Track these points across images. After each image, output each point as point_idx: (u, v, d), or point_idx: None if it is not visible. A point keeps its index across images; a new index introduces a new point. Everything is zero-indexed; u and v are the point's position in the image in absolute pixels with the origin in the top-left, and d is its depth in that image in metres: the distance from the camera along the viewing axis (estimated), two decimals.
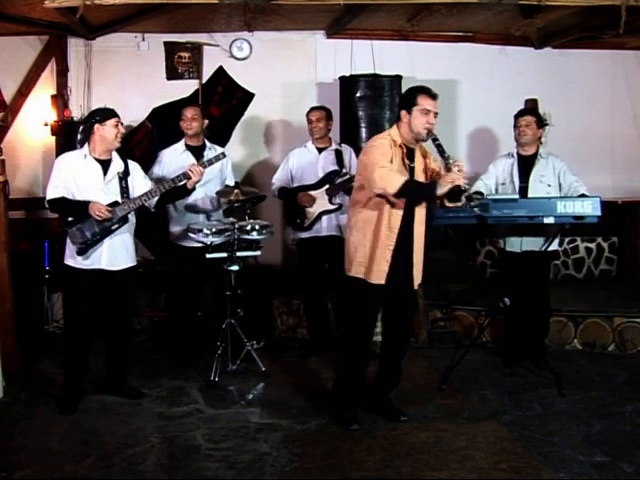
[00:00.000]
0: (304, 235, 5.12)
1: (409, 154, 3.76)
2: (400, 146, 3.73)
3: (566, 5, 4.95)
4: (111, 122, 4.07)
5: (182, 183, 4.23)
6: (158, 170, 4.90)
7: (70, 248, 4.12)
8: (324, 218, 5.08)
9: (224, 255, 4.64)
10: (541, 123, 4.83)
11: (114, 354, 4.37)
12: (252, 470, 3.36)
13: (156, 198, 4.20)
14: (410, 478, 3.28)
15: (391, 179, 3.55)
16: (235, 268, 4.62)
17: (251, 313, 5.24)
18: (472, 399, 4.30)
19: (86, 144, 4.15)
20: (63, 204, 4.09)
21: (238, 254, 4.65)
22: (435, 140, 3.65)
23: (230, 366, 4.68)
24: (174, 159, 4.89)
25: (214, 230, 4.60)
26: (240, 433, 3.80)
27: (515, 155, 4.83)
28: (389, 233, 3.69)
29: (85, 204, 4.01)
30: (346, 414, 3.86)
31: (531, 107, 4.87)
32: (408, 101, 3.73)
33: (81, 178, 4.08)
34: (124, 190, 4.16)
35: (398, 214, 3.69)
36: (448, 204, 3.63)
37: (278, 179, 5.24)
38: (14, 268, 4.56)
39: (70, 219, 4.09)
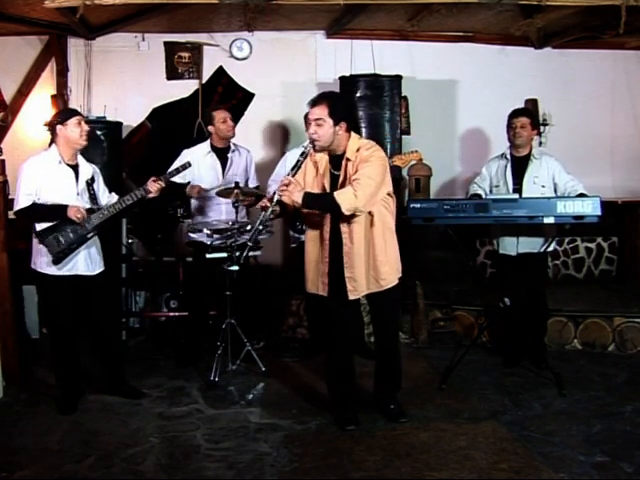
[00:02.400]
0: (304, 237, 5.09)
1: (335, 163, 3.69)
2: (315, 161, 3.75)
3: (566, 5, 4.96)
4: (72, 121, 3.98)
5: (141, 197, 4.16)
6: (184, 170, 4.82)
7: (45, 256, 4.02)
8: None
9: (224, 255, 4.64)
10: (536, 123, 4.76)
11: (106, 357, 4.35)
12: (252, 470, 3.36)
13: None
14: (410, 478, 3.27)
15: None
16: (235, 268, 4.62)
17: (251, 313, 5.25)
18: (472, 399, 4.30)
19: (54, 147, 4.05)
20: (37, 210, 3.98)
21: (238, 254, 4.65)
22: (302, 154, 3.61)
23: (230, 366, 4.68)
24: (200, 160, 4.87)
25: (214, 230, 4.60)
26: (240, 433, 3.80)
27: (508, 156, 4.78)
28: (322, 246, 3.75)
29: (62, 208, 3.95)
30: (346, 414, 3.86)
31: (526, 107, 4.81)
32: None
33: (55, 186, 3.99)
34: (93, 197, 4.13)
35: (326, 229, 3.71)
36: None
37: (275, 180, 5.17)
38: (14, 268, 4.56)
39: (44, 227, 3.99)
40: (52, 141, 4.09)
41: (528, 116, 4.72)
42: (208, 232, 4.61)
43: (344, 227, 3.67)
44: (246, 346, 4.72)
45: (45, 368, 4.79)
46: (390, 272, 3.77)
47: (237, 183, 4.71)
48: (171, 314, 5.62)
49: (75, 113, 4.07)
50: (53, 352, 4.20)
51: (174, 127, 5.22)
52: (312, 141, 3.60)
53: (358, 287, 3.72)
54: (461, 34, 6.44)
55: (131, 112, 6.12)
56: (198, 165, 4.85)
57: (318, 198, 3.66)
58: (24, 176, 3.99)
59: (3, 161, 4.52)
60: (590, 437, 3.69)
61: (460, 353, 4.73)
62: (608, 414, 4.01)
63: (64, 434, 3.78)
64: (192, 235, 4.89)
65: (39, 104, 6.08)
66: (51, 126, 4.04)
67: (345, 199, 3.51)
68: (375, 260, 3.72)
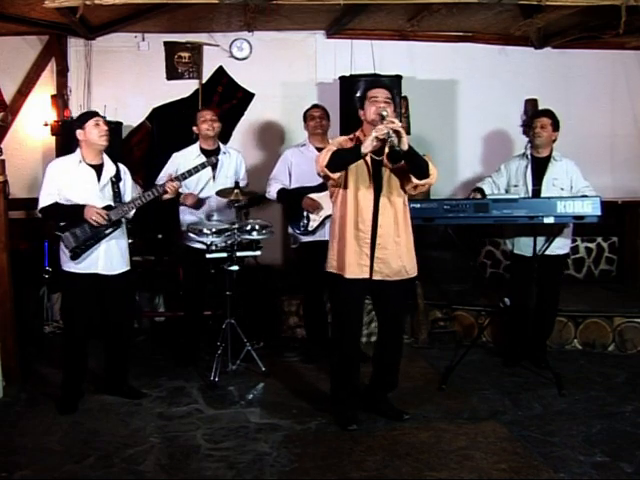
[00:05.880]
0: (307, 239, 5.03)
1: (375, 151, 3.69)
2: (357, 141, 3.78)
3: (566, 5, 4.95)
4: (90, 123, 4.06)
5: (157, 195, 4.25)
6: (173, 172, 4.76)
7: (65, 253, 4.10)
8: (328, 222, 4.99)
9: (224, 255, 4.64)
10: (557, 126, 4.74)
11: (113, 357, 4.36)
12: (252, 470, 3.36)
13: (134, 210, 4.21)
14: (410, 478, 3.28)
15: (322, 155, 3.66)
16: (235, 268, 4.62)
17: (251, 313, 5.25)
18: (472, 399, 4.30)
19: (78, 149, 4.15)
20: (57, 210, 4.07)
21: (238, 254, 4.65)
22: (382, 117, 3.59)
23: (230, 366, 4.69)
24: (189, 163, 4.84)
25: (214, 230, 4.60)
26: (240, 433, 3.80)
27: (529, 156, 4.78)
28: (363, 226, 3.73)
29: (80, 208, 4.02)
30: (346, 413, 3.87)
31: (548, 109, 4.81)
32: (361, 100, 3.92)
33: (76, 184, 4.07)
34: (117, 195, 4.17)
35: (369, 207, 3.72)
36: (391, 166, 3.68)
37: (276, 179, 5.10)
38: (14, 268, 4.56)
39: (65, 223, 4.06)
40: (77, 144, 4.17)
41: (550, 117, 4.72)
42: (208, 232, 4.60)
43: (384, 206, 3.73)
44: (246, 346, 4.73)
45: (46, 366, 4.81)
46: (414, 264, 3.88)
47: (237, 183, 4.71)
48: (170, 314, 5.61)
49: (92, 115, 4.13)
50: (64, 351, 4.22)
51: (174, 127, 5.22)
52: (381, 114, 3.62)
53: (384, 269, 3.76)
54: (461, 34, 6.43)
55: (131, 112, 6.12)
56: (186, 167, 4.74)
57: (416, 153, 3.66)
58: (47, 176, 4.12)
59: (3, 161, 4.52)
60: (590, 437, 3.69)
61: (460, 353, 4.73)
62: (608, 414, 4.02)
63: (64, 434, 3.78)
64: (189, 241, 4.83)
65: (39, 104, 6.08)
66: (72, 132, 4.14)
67: (432, 167, 3.70)
68: (404, 247, 3.80)
